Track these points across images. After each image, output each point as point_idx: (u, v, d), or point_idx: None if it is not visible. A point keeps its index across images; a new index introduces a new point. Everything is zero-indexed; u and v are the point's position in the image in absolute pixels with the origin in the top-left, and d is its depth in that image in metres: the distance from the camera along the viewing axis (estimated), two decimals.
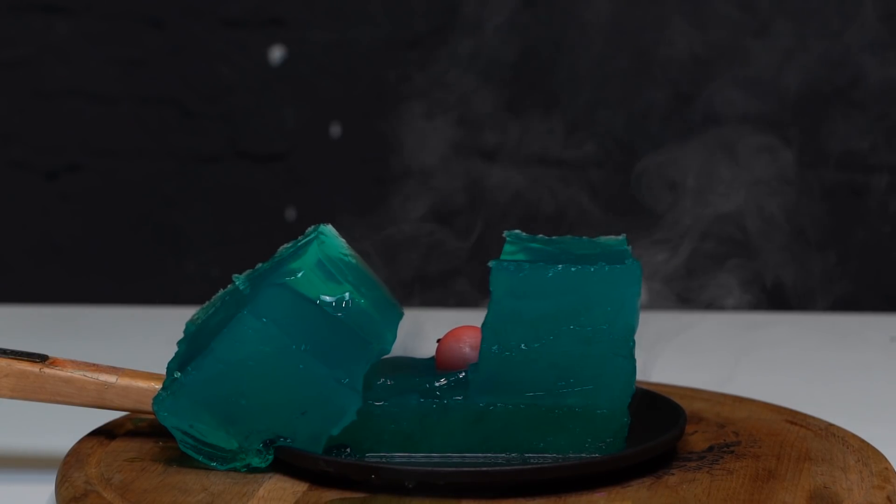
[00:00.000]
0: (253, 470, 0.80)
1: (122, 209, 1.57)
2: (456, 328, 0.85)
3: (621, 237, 0.87)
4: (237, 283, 0.83)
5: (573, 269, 0.81)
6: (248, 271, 0.83)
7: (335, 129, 1.55)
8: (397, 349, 0.86)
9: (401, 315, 0.85)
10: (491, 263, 0.81)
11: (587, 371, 0.81)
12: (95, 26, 1.54)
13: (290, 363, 0.79)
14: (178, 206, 1.56)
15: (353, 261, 0.85)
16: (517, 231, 0.87)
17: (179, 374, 0.80)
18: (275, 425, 0.79)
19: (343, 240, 0.85)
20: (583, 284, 0.80)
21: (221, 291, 0.84)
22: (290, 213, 1.55)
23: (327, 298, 0.82)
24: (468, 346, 0.84)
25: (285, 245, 0.85)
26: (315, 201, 1.56)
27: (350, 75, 1.54)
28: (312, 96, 1.55)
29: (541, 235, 0.87)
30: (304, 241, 0.84)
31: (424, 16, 1.54)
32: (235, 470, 0.80)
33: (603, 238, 0.87)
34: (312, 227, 0.85)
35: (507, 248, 0.86)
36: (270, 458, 0.80)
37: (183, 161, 1.56)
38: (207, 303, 0.84)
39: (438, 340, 0.85)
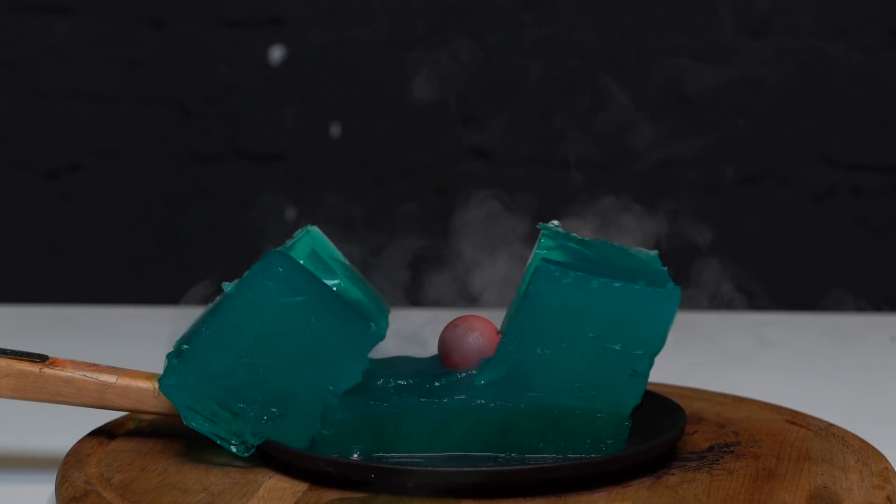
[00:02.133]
0: (252, 469, 0.80)
1: (122, 209, 1.57)
2: (460, 317, 0.85)
3: (653, 253, 0.86)
4: (226, 289, 0.83)
5: (616, 284, 0.80)
6: (236, 280, 0.84)
7: (335, 129, 1.55)
8: (397, 349, 0.86)
9: (389, 309, 0.85)
10: (538, 262, 0.80)
11: (598, 380, 0.80)
12: (95, 26, 1.54)
13: (304, 315, 0.79)
14: (178, 206, 1.56)
15: (342, 259, 0.85)
16: (554, 224, 0.86)
17: (187, 346, 0.80)
18: (279, 387, 0.79)
19: (331, 241, 0.85)
20: (623, 301, 0.80)
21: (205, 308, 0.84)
22: (290, 213, 1.55)
23: (326, 282, 0.82)
24: (473, 336, 0.83)
25: (273, 249, 0.85)
26: (315, 201, 1.56)
27: (350, 75, 1.54)
28: (312, 96, 1.55)
29: (575, 234, 0.86)
30: (292, 241, 0.84)
31: (424, 16, 1.54)
32: (230, 450, 0.80)
33: (635, 249, 0.87)
34: (300, 229, 0.85)
35: (543, 242, 0.85)
36: (263, 439, 0.80)
37: (183, 161, 1.56)
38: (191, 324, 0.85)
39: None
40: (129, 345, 1.26)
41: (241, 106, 1.55)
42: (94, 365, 0.84)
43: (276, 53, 1.54)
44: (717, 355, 1.25)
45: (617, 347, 0.80)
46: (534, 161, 1.55)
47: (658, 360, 0.81)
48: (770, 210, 1.55)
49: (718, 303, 1.55)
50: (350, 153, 1.56)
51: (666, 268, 0.84)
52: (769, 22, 1.53)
